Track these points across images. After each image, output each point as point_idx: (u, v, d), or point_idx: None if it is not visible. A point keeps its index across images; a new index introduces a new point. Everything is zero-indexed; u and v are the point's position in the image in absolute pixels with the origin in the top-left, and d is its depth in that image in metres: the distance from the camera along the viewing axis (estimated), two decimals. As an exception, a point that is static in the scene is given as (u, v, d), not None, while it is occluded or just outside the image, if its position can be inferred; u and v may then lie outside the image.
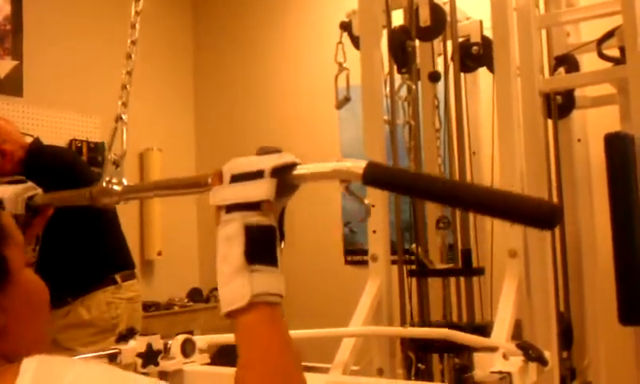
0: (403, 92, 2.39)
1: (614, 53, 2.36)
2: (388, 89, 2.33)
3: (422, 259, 2.24)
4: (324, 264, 4.39)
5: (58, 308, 2.55)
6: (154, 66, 4.78)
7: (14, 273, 0.81)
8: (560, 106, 2.59)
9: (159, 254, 4.67)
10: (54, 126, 4.14)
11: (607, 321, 2.32)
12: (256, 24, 4.95)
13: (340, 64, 2.33)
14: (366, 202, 0.91)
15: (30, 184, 1.23)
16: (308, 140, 4.39)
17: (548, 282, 2.07)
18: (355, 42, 2.45)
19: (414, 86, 2.37)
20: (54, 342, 2.48)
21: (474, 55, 2.56)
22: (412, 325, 2.17)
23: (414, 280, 2.31)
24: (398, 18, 2.45)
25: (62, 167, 2.60)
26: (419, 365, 2.14)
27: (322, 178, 0.87)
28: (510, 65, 2.08)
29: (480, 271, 2.28)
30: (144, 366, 1.51)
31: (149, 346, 1.52)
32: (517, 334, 1.82)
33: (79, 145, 4.20)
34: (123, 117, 1.30)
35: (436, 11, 2.32)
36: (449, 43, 2.45)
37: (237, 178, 0.84)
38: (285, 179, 0.85)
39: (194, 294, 4.70)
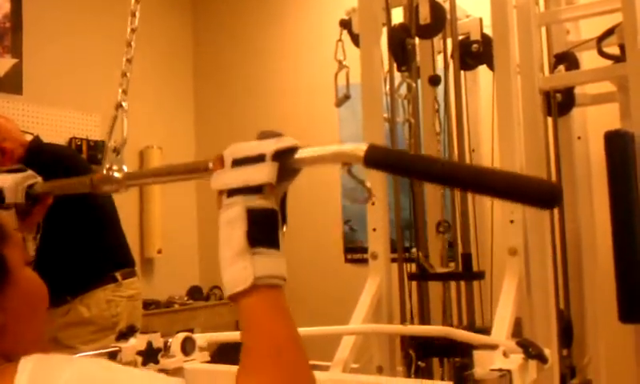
0: (403, 90, 2.39)
1: (614, 50, 2.36)
2: (388, 87, 2.33)
3: (422, 263, 2.23)
4: (324, 262, 4.40)
5: (58, 306, 2.54)
6: (154, 64, 4.78)
7: (12, 272, 0.81)
8: (560, 103, 2.59)
9: (159, 252, 4.67)
10: (54, 123, 4.14)
11: (607, 318, 2.32)
12: (255, 22, 4.95)
13: (340, 62, 2.33)
14: (367, 184, 0.91)
15: (29, 172, 1.23)
16: (308, 138, 4.28)
17: (548, 280, 2.07)
18: (355, 39, 2.44)
19: (413, 84, 2.37)
20: (54, 340, 2.48)
21: (474, 53, 2.56)
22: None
23: (413, 282, 2.31)
24: (397, 16, 2.45)
25: (62, 165, 2.59)
26: (419, 362, 2.14)
27: (323, 162, 0.87)
28: (509, 62, 2.08)
29: (480, 275, 2.28)
30: (144, 363, 1.51)
31: (149, 343, 1.52)
32: (517, 331, 1.82)
33: (79, 143, 4.20)
34: (123, 104, 1.30)
35: (436, 9, 2.32)
36: (449, 41, 2.45)
37: (238, 162, 0.85)
38: (286, 163, 0.85)
39: (194, 292, 4.70)
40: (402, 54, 2.33)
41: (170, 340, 1.58)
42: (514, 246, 1.95)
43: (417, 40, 2.40)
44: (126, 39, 1.33)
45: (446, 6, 2.37)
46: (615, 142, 1.95)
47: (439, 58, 2.60)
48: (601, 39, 2.39)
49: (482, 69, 2.65)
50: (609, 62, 2.39)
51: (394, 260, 2.25)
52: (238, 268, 0.80)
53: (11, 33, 4.02)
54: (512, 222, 1.97)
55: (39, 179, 1.23)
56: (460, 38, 2.50)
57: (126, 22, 1.35)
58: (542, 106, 2.33)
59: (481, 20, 2.58)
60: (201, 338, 1.64)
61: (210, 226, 4.89)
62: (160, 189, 4.67)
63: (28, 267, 0.85)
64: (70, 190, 1.35)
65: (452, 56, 2.41)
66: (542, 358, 1.48)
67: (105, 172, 1.16)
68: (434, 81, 2.46)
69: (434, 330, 2.00)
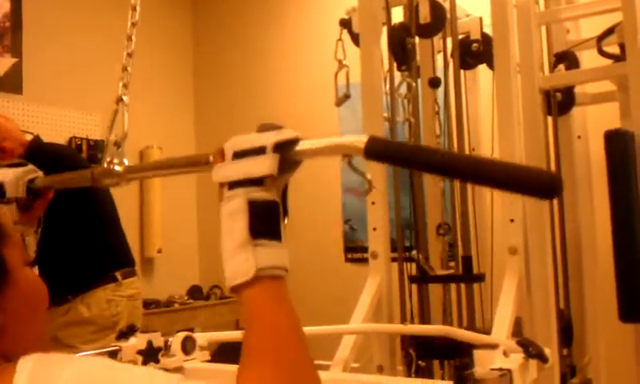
0: (403, 89, 2.39)
1: (614, 50, 2.36)
2: (388, 86, 2.33)
3: (422, 265, 2.23)
4: (324, 261, 4.39)
5: (58, 305, 2.55)
6: (154, 64, 4.78)
7: (12, 272, 0.81)
8: (560, 102, 2.59)
9: (159, 251, 4.67)
10: (54, 123, 4.14)
11: (607, 318, 2.32)
12: (255, 21, 4.95)
13: (340, 61, 2.33)
14: (368, 176, 0.91)
15: (30, 167, 1.22)
16: (308, 137, 4.38)
17: (548, 280, 2.07)
18: (355, 39, 2.44)
19: (413, 84, 2.37)
20: (54, 340, 2.48)
21: (474, 52, 2.56)
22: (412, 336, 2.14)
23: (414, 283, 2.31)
24: (397, 15, 2.45)
25: (62, 165, 2.58)
26: (419, 362, 2.14)
27: (323, 154, 0.87)
28: (509, 62, 2.08)
29: (480, 278, 2.27)
30: (144, 363, 1.51)
31: (149, 343, 1.52)
32: (517, 331, 1.82)
33: (79, 142, 4.20)
34: (124, 98, 1.30)
35: (436, 8, 2.32)
36: (449, 40, 2.45)
37: (239, 155, 0.85)
38: (287, 155, 0.85)
39: (194, 292, 4.69)
40: (402, 53, 2.32)
41: (171, 339, 1.58)
42: (514, 245, 1.95)
43: (417, 39, 2.40)
44: (127, 33, 1.33)
45: (446, 5, 2.37)
46: (615, 141, 1.95)
47: (439, 58, 2.61)
48: (601, 38, 2.39)
49: (482, 68, 2.65)
50: (609, 61, 2.39)
51: (394, 259, 2.25)
52: (240, 260, 0.80)
53: (11, 32, 4.02)
54: (512, 221, 1.97)
55: (40, 173, 1.22)
56: (460, 37, 2.50)
57: (126, 21, 1.35)
58: (542, 105, 2.33)
59: (481, 19, 2.57)
60: (201, 338, 1.64)
61: (210, 225, 4.89)
62: (160, 188, 4.67)
63: (28, 267, 0.85)
64: (71, 183, 1.35)
65: (452, 55, 2.41)
66: (542, 358, 1.48)
67: (106, 165, 1.16)
68: (434, 83, 2.46)
69: (434, 329, 2.00)
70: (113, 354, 1.48)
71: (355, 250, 4.30)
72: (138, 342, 1.52)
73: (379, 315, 2.06)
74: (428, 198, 2.49)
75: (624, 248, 1.91)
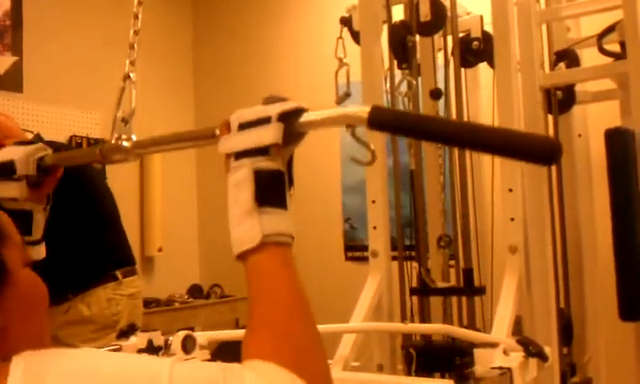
0: (403, 87, 2.39)
1: (615, 48, 2.36)
2: (388, 84, 2.32)
3: (423, 278, 2.22)
4: (324, 260, 4.39)
5: (58, 304, 2.54)
6: (154, 62, 4.78)
7: (12, 273, 0.80)
8: (560, 101, 2.58)
9: (160, 250, 4.67)
10: (54, 121, 4.14)
11: (607, 317, 2.32)
12: (256, 19, 4.95)
13: (340, 59, 2.33)
14: (372, 146, 0.91)
15: (40, 144, 1.22)
16: (307, 136, 4.38)
17: (548, 278, 2.07)
18: (355, 37, 2.44)
19: (414, 82, 2.36)
20: (54, 339, 2.48)
21: (475, 50, 2.55)
22: (413, 343, 2.11)
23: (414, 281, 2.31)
24: (398, 13, 2.45)
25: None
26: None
27: (328, 124, 0.88)
28: (510, 60, 2.07)
29: (481, 290, 2.26)
30: (144, 362, 1.51)
31: (149, 342, 1.53)
32: (517, 329, 1.82)
33: (79, 141, 4.20)
34: (131, 75, 1.30)
35: (436, 6, 2.31)
36: (449, 38, 2.45)
37: (244, 126, 0.86)
38: (291, 125, 0.86)
39: (195, 291, 4.70)
40: (402, 51, 2.32)
41: (171, 338, 1.58)
42: (514, 243, 1.95)
43: (417, 37, 2.40)
44: (134, 12, 1.33)
45: (447, 3, 2.37)
46: (616, 140, 1.94)
47: (440, 56, 2.60)
48: (601, 36, 2.38)
49: (483, 66, 2.65)
50: (609, 60, 2.39)
51: (394, 258, 2.25)
52: (245, 227, 0.81)
53: (11, 30, 4.01)
54: (512, 219, 1.97)
55: (50, 151, 1.23)
56: (460, 35, 2.49)
57: (126, 20, 1.35)
58: (543, 104, 2.33)
59: (481, 17, 2.57)
60: (201, 337, 1.64)
61: (210, 225, 4.89)
62: (161, 187, 4.66)
63: (28, 268, 0.85)
64: (81, 160, 1.36)
65: (452, 53, 2.40)
66: (542, 356, 1.48)
67: (113, 141, 1.16)
68: (436, 95, 2.44)
69: (435, 328, 2.00)
70: (113, 353, 1.48)
71: (355, 249, 4.30)
72: (138, 340, 1.52)
73: (379, 314, 2.06)
74: (429, 210, 2.48)
75: (624, 246, 1.91)
